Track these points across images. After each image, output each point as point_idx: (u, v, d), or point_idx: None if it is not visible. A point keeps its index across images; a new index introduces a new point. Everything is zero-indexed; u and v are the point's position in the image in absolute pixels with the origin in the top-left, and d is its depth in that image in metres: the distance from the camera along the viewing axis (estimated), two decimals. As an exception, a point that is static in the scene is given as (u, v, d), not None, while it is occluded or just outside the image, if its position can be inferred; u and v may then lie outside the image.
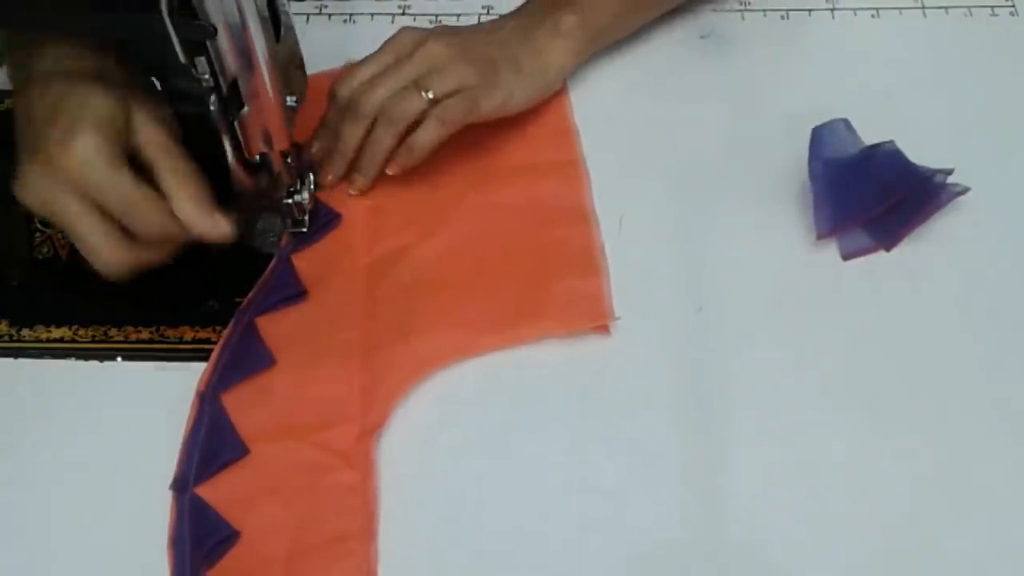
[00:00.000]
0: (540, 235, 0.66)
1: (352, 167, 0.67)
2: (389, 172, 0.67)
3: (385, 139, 0.65)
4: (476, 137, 0.69)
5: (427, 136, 0.65)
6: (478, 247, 0.66)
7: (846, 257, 0.65)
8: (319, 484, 0.57)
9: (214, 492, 0.57)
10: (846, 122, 0.68)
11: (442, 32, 0.68)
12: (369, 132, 0.66)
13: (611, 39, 0.74)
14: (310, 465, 0.58)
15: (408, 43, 0.67)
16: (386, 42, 0.67)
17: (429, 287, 0.64)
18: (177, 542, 0.55)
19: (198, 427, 0.59)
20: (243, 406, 0.60)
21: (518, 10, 0.72)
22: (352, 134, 0.66)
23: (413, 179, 0.67)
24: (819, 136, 0.67)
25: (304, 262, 0.65)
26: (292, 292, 0.64)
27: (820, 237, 0.65)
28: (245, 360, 0.61)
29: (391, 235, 0.67)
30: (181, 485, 0.57)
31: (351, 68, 0.67)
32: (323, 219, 0.67)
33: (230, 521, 0.56)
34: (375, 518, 0.56)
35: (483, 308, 0.63)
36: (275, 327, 0.63)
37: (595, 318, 0.63)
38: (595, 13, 0.71)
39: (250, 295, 0.64)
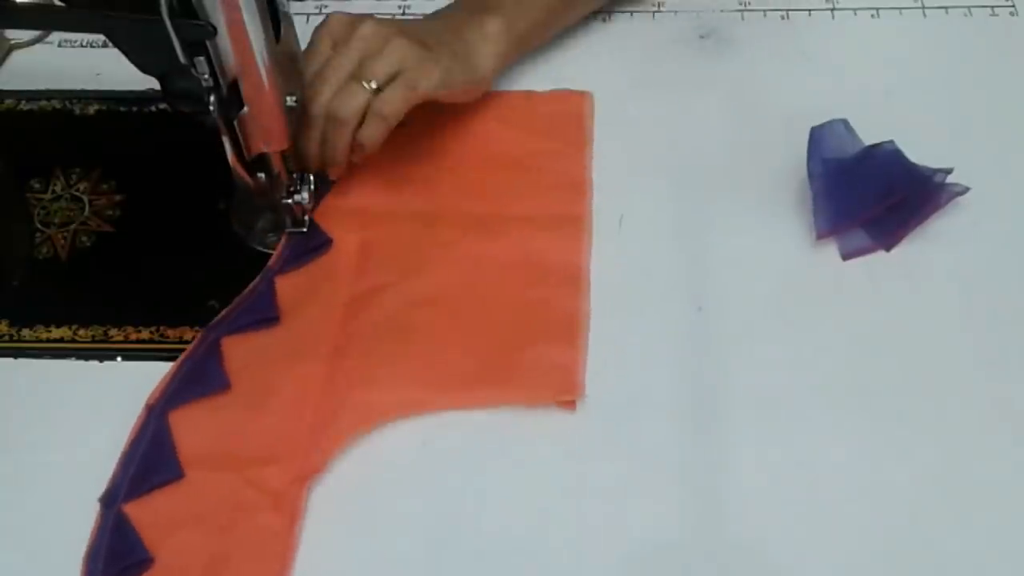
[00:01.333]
0: (526, 294, 0.64)
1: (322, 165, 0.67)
2: (353, 160, 0.67)
3: (339, 141, 0.65)
4: (485, 177, 0.69)
5: (371, 133, 0.65)
6: (459, 298, 0.64)
7: (846, 257, 0.65)
8: (242, 523, 0.56)
9: (140, 511, 0.56)
10: (845, 123, 0.68)
11: (372, 18, 0.67)
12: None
13: (536, 44, 0.75)
14: (238, 502, 0.57)
15: (340, 27, 0.66)
16: (317, 29, 0.66)
17: (400, 332, 0.62)
18: (92, 557, 0.55)
19: (139, 442, 0.58)
20: (188, 427, 0.59)
21: (447, 8, 0.72)
22: (310, 138, 0.65)
23: (410, 214, 0.67)
24: (817, 136, 0.67)
25: (286, 285, 0.64)
26: (265, 316, 0.63)
27: (820, 237, 0.65)
28: (201, 380, 0.60)
29: (375, 271, 0.65)
30: (110, 499, 0.56)
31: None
32: (315, 242, 0.66)
33: (148, 545, 0.55)
34: (290, 566, 0.55)
35: (449, 364, 0.61)
36: (239, 350, 0.62)
37: (562, 392, 0.60)
38: (519, 18, 0.71)
39: (226, 310, 0.63)
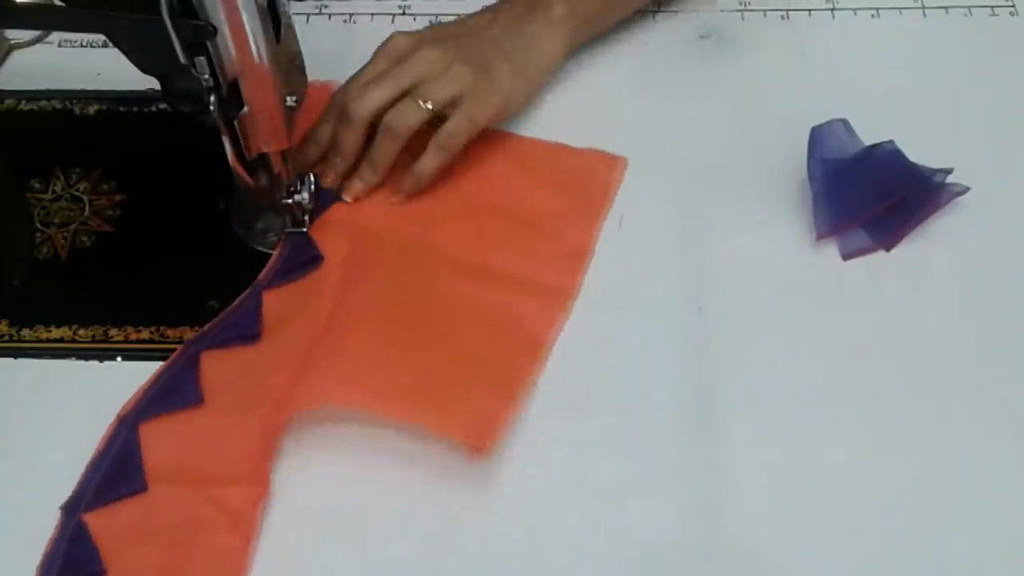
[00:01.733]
0: (485, 346, 0.62)
1: (351, 173, 0.68)
2: (393, 200, 0.68)
3: (387, 151, 0.66)
4: (489, 226, 0.67)
5: (430, 165, 0.67)
6: (422, 324, 0.63)
7: (846, 257, 0.65)
8: (199, 541, 0.56)
9: (99, 522, 0.56)
10: (845, 123, 0.68)
11: (434, 36, 0.68)
12: (366, 138, 0.66)
13: (599, 28, 0.75)
14: (197, 520, 0.56)
15: (401, 48, 0.67)
16: (378, 50, 0.67)
17: (355, 334, 0.61)
18: (47, 566, 0.55)
19: (107, 452, 0.58)
20: (157, 440, 0.59)
21: (507, 0, 0.72)
22: (349, 139, 0.66)
23: (403, 242, 0.66)
24: (817, 136, 0.67)
25: (273, 300, 0.64)
26: (247, 332, 0.62)
27: (820, 237, 0.65)
28: (174, 393, 0.60)
29: (355, 288, 0.64)
30: (71, 508, 0.56)
31: (349, 79, 0.67)
32: (306, 256, 0.65)
33: (103, 557, 0.55)
34: None
35: (384, 372, 0.60)
36: (217, 365, 0.61)
37: (475, 435, 0.57)
38: (583, 2, 0.71)
39: (210, 324, 0.63)
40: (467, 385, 0.60)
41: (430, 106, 0.65)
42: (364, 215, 0.67)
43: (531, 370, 0.61)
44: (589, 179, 0.69)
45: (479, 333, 0.63)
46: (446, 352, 0.62)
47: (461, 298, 0.64)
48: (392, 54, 0.67)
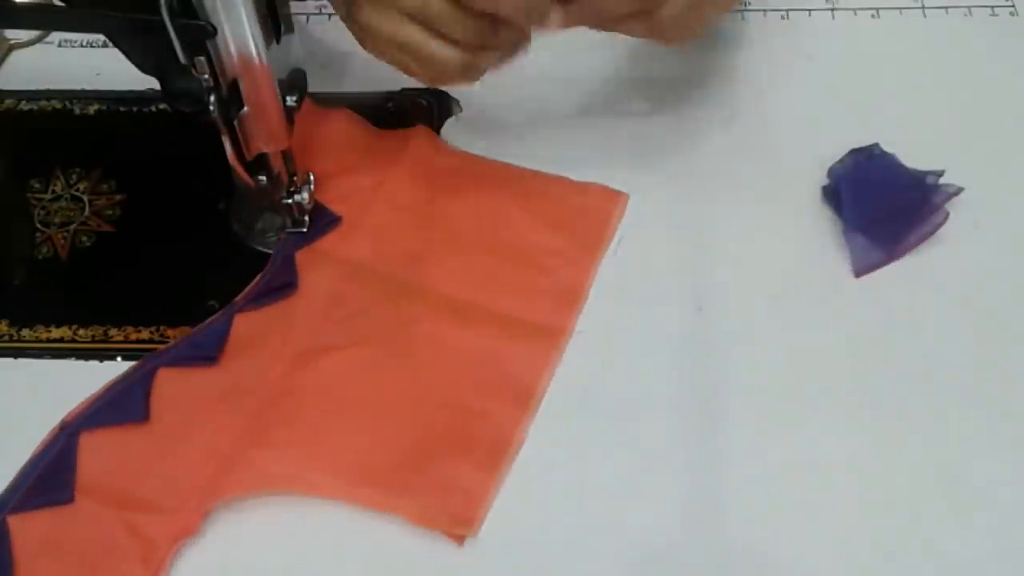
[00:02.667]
0: (469, 400, 0.59)
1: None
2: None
3: None
4: (482, 262, 0.65)
5: None
6: (400, 381, 0.60)
7: (859, 274, 0.64)
8: (105, 566, 0.54)
9: (21, 527, 0.55)
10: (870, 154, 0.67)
11: None
12: None
13: None
14: (110, 544, 0.55)
15: None
16: None
17: (325, 402, 0.59)
18: None
19: (43, 456, 0.57)
20: (95, 452, 0.57)
21: None
22: None
23: (388, 278, 0.64)
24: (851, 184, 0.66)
25: (243, 324, 0.62)
26: (204, 354, 0.61)
27: (859, 274, 0.64)
28: (121, 406, 0.59)
29: (332, 329, 0.62)
30: None
31: None
32: (281, 281, 0.63)
33: (13, 562, 0.54)
34: None
35: (357, 452, 0.57)
36: (170, 383, 0.60)
37: (456, 523, 0.55)
38: None
39: (175, 341, 0.62)
40: (448, 456, 0.57)
41: None
42: (355, 246, 0.65)
43: (520, 425, 0.59)
44: (589, 215, 0.67)
45: (463, 387, 0.60)
46: (425, 414, 0.59)
47: (444, 346, 0.61)
48: None
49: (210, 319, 0.62)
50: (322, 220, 0.66)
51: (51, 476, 0.57)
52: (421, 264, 0.64)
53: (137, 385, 0.60)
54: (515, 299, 0.63)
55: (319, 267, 0.64)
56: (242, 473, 0.56)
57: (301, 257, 0.65)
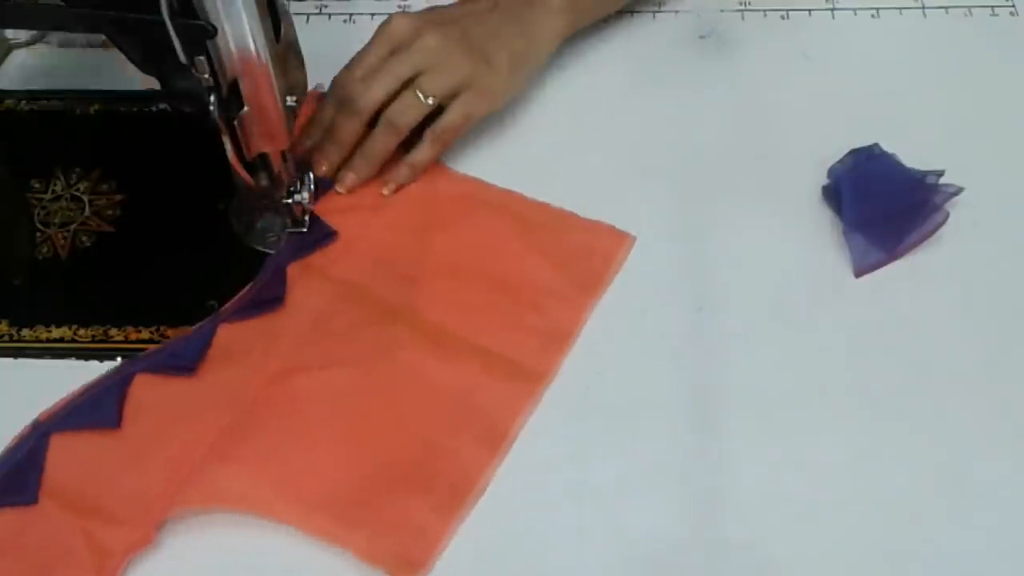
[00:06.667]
0: (439, 437, 0.58)
1: (345, 164, 0.67)
2: (385, 192, 0.67)
3: (386, 143, 0.66)
4: (474, 294, 0.63)
5: (425, 156, 0.67)
6: (372, 410, 0.59)
7: (859, 274, 0.64)
8: (57, 573, 0.54)
9: None
10: (869, 154, 0.67)
11: (435, 19, 0.67)
12: (365, 129, 0.66)
13: (594, 18, 0.75)
14: (66, 550, 0.54)
15: (402, 33, 0.66)
16: (379, 30, 0.67)
17: (292, 424, 0.58)
18: None
19: (13, 454, 0.57)
20: (64, 454, 0.57)
21: None
22: (348, 129, 0.66)
23: (378, 302, 0.63)
24: (850, 182, 0.66)
25: (226, 335, 0.61)
26: (183, 363, 0.60)
27: (859, 274, 0.64)
28: (94, 410, 0.59)
29: (312, 349, 0.61)
30: None
31: (349, 63, 0.67)
32: (271, 293, 0.63)
33: None
34: None
35: (317, 478, 0.56)
36: (146, 390, 0.59)
37: (403, 566, 0.54)
38: None
39: (157, 347, 0.61)
40: (407, 492, 0.56)
41: (431, 101, 0.65)
42: (349, 265, 0.65)
43: (486, 469, 0.57)
44: (591, 255, 0.65)
45: (435, 422, 0.59)
46: (392, 445, 0.58)
47: (423, 378, 0.60)
48: (392, 38, 0.66)
49: (195, 327, 0.62)
50: (318, 233, 0.66)
51: (19, 475, 0.57)
52: (414, 288, 0.64)
53: (113, 389, 0.59)
54: (503, 335, 0.62)
55: (310, 283, 0.64)
56: (198, 486, 0.56)
57: (293, 271, 0.64)
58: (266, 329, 0.62)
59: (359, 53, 0.67)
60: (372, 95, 0.65)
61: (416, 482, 0.57)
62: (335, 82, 0.67)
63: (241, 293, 0.63)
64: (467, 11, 0.69)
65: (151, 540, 0.55)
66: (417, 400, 0.59)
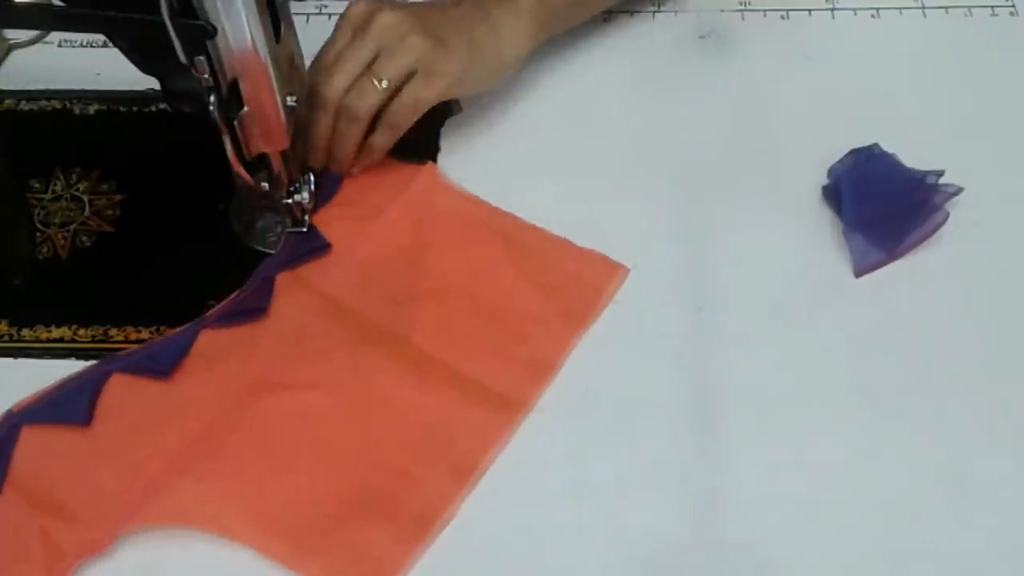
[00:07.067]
0: (409, 466, 0.57)
1: (327, 157, 0.67)
2: (353, 172, 0.67)
3: (349, 136, 0.65)
4: (459, 319, 0.62)
5: (380, 140, 0.66)
6: (342, 432, 0.58)
7: (859, 274, 0.64)
8: (9, 568, 0.53)
9: None
10: (869, 154, 0.67)
11: (395, 4, 0.66)
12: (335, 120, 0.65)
13: (566, 24, 0.74)
14: (20, 545, 0.54)
15: (360, 15, 0.65)
16: (341, 17, 0.66)
17: (261, 441, 0.58)
18: None
19: None
20: (33, 447, 0.57)
21: None
22: (319, 124, 0.65)
23: (362, 321, 0.62)
24: (850, 182, 0.66)
25: (207, 340, 0.61)
26: (158, 367, 0.60)
27: (859, 274, 0.64)
28: (67, 405, 0.58)
29: (291, 365, 0.61)
30: None
31: (317, 54, 0.66)
32: (255, 303, 0.62)
33: None
34: None
35: (279, 500, 0.56)
36: (121, 390, 0.59)
37: None
38: None
39: (139, 346, 0.61)
40: (370, 520, 0.55)
41: (385, 84, 0.63)
42: (337, 280, 0.64)
43: (452, 501, 0.56)
44: (582, 285, 0.64)
45: (405, 450, 0.58)
46: (360, 472, 0.57)
47: (398, 404, 0.59)
48: (351, 22, 0.65)
49: (178, 329, 0.62)
50: (312, 243, 0.65)
51: None
52: (400, 310, 0.63)
53: (88, 386, 0.59)
54: (485, 363, 0.61)
55: (296, 295, 0.63)
56: (161, 502, 0.55)
57: (281, 280, 0.64)
58: (246, 339, 0.61)
59: (324, 43, 0.66)
60: (334, 85, 0.63)
61: (380, 512, 0.56)
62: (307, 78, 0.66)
63: (228, 299, 0.63)
64: (429, 4, 0.68)
65: (103, 548, 0.54)
66: (389, 427, 0.59)
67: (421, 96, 0.64)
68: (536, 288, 0.64)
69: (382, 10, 0.64)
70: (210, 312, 0.63)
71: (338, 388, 0.60)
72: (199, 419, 0.58)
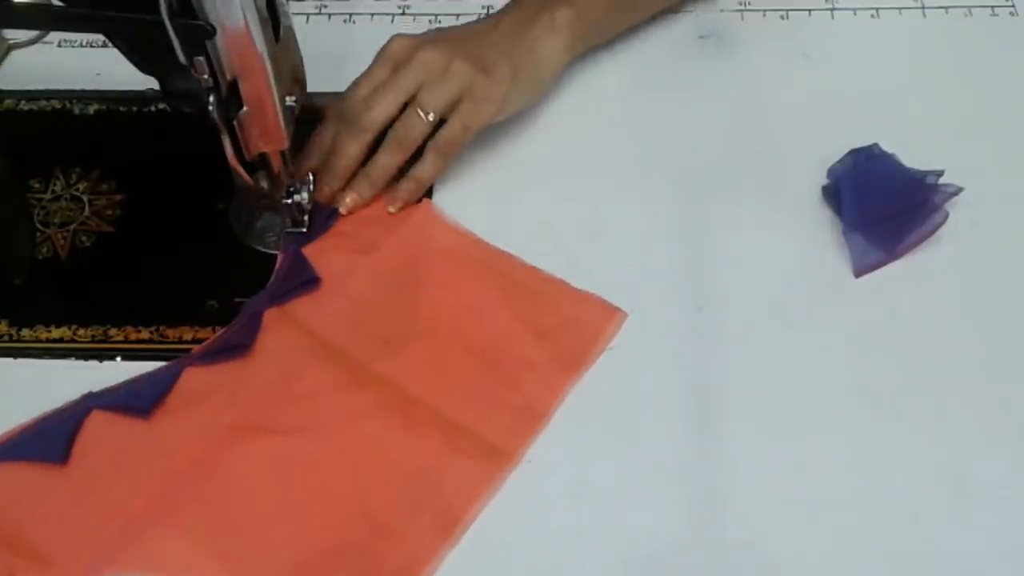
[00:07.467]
0: (390, 515, 0.56)
1: (348, 184, 0.67)
2: (392, 210, 0.66)
3: (391, 163, 0.66)
4: (449, 362, 0.61)
5: (430, 170, 0.66)
6: (322, 483, 0.57)
7: (859, 274, 0.64)
8: None
9: None
10: (869, 154, 0.67)
11: (435, 37, 0.68)
12: (369, 148, 0.66)
13: (604, 37, 0.75)
14: None
15: (400, 52, 0.66)
16: (378, 54, 0.67)
17: (243, 488, 0.56)
18: None
19: None
20: (7, 484, 0.56)
21: (512, 4, 0.71)
22: (352, 150, 0.65)
23: (349, 362, 0.61)
24: (850, 182, 0.66)
25: (191, 378, 0.60)
26: (139, 405, 0.59)
27: (859, 274, 0.64)
28: (47, 442, 0.57)
29: (277, 409, 0.59)
30: None
31: (351, 85, 0.67)
32: (241, 339, 0.61)
33: None
34: None
35: (254, 550, 0.55)
36: (101, 427, 0.58)
37: None
38: (589, 8, 0.71)
39: (123, 382, 0.60)
40: (348, 572, 0.54)
41: (431, 117, 0.64)
42: (326, 318, 0.62)
43: (434, 558, 0.55)
44: (578, 330, 0.62)
45: (389, 501, 0.56)
46: (341, 523, 0.56)
47: (384, 451, 0.58)
48: (392, 58, 0.66)
49: (163, 365, 0.61)
50: (301, 277, 0.64)
51: None
52: (389, 351, 0.61)
53: (68, 422, 0.58)
54: (474, 409, 0.59)
55: (284, 332, 0.62)
56: (137, 549, 0.54)
57: (269, 317, 0.62)
58: (230, 377, 0.60)
59: (360, 76, 0.67)
60: (376, 114, 0.65)
61: (358, 567, 0.54)
62: (335, 106, 0.67)
63: (214, 337, 0.62)
64: (468, 29, 0.70)
65: None
66: (373, 476, 0.57)
67: (470, 123, 0.66)
68: (531, 331, 0.62)
69: (423, 47, 0.66)
70: (196, 349, 0.62)
71: (322, 434, 0.58)
72: (178, 461, 0.57)
